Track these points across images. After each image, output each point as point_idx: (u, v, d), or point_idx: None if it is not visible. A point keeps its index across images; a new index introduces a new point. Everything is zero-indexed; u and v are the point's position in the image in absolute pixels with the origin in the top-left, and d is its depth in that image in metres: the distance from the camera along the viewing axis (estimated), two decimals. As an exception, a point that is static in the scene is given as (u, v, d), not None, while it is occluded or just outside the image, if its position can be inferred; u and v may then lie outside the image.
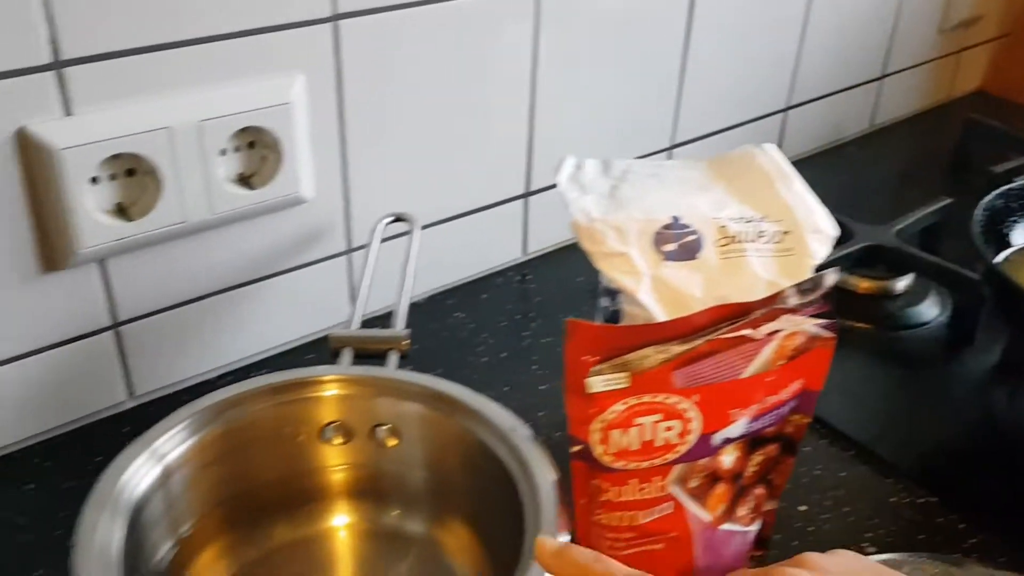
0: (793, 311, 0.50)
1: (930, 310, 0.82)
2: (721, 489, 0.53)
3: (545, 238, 0.87)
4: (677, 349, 0.48)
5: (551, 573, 0.44)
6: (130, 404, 0.68)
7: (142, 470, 0.48)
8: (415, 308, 0.80)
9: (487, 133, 0.78)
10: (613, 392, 0.47)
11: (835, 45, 1.04)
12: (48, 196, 0.57)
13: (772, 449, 0.54)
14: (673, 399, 0.48)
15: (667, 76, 0.89)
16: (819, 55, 1.03)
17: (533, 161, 0.82)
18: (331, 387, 0.54)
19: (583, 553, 0.43)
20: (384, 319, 0.63)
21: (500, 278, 0.84)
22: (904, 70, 1.16)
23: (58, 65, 0.55)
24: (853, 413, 0.71)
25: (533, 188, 0.83)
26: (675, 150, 0.93)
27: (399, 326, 0.61)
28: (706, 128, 0.95)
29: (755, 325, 0.49)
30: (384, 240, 0.68)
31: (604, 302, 0.59)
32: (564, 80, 0.80)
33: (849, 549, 0.44)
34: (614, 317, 0.56)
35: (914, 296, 0.83)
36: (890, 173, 1.10)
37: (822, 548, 0.58)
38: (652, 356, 0.47)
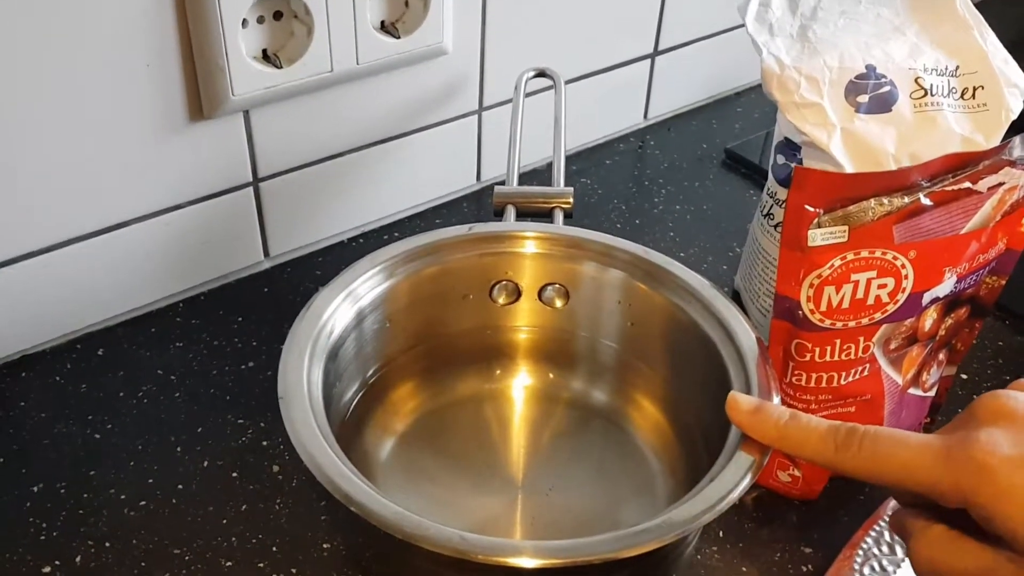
0: (1014, 163, 0.47)
1: None
2: (915, 352, 0.51)
3: (665, 104, 0.83)
4: (899, 202, 0.45)
5: (747, 431, 0.42)
6: (267, 265, 0.66)
7: (339, 311, 0.46)
8: (539, 173, 0.78)
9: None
10: (831, 246, 0.45)
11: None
12: (203, 37, 0.53)
13: (963, 312, 0.52)
14: (890, 255, 0.46)
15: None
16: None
17: (665, 16, 0.77)
18: (535, 243, 0.52)
19: (779, 411, 0.42)
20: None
21: (622, 144, 0.81)
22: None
23: None
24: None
25: (662, 47, 0.79)
26: None
27: (559, 183, 0.58)
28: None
29: (976, 178, 0.46)
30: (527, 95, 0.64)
31: (779, 159, 0.56)
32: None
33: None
34: (790, 177, 0.53)
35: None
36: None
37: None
38: (874, 209, 0.45)
